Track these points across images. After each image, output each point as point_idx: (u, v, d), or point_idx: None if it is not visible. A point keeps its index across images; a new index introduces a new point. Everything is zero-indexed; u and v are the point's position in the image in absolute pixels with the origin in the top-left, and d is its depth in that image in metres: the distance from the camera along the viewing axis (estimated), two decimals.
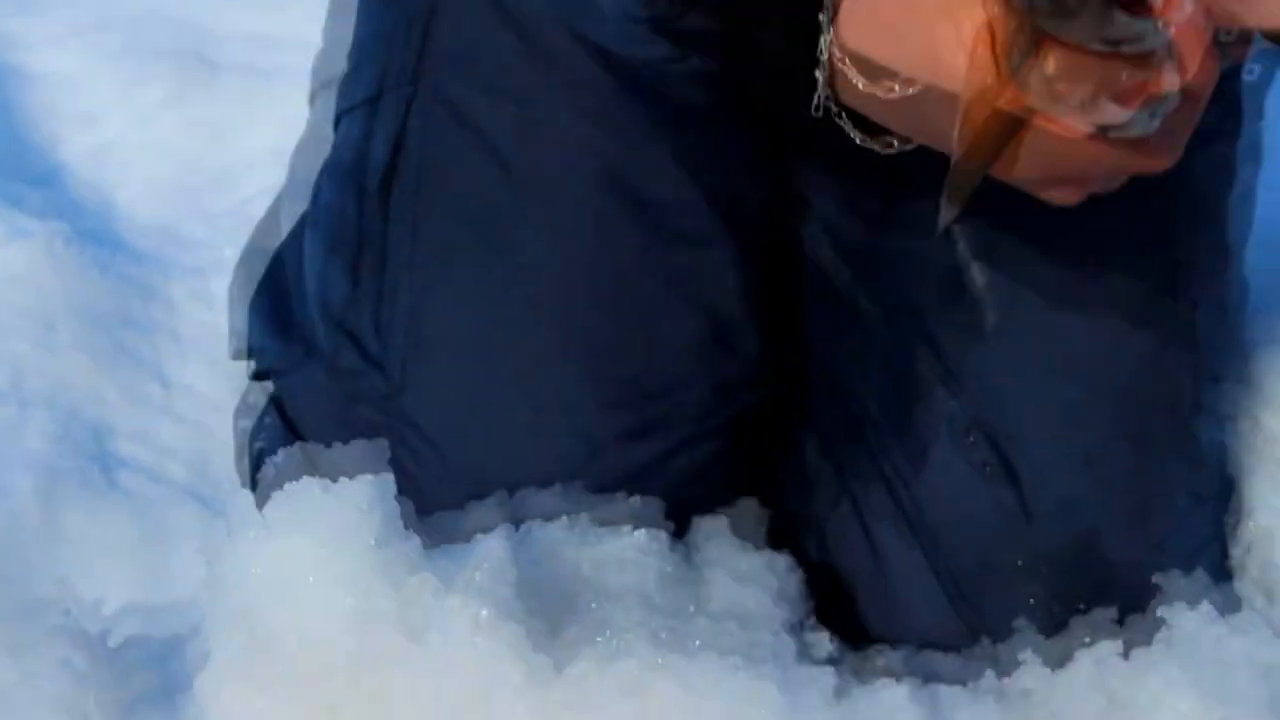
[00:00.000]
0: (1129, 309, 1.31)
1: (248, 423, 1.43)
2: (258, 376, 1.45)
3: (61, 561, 1.63)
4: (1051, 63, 1.00)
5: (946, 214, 1.06)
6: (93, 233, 1.86)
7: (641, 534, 1.23)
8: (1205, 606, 1.26)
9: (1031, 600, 1.28)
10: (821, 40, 1.10)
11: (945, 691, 1.21)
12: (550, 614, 1.15)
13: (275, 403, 1.42)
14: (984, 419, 1.30)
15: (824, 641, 1.26)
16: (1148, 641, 1.25)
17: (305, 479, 1.09)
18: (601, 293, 1.31)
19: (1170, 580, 1.28)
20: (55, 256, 1.80)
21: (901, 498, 1.31)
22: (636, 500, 1.27)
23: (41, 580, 1.57)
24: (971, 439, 1.30)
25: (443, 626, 1.09)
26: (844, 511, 1.33)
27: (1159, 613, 1.25)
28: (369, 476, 1.09)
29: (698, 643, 1.16)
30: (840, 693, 1.17)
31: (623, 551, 1.22)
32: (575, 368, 1.30)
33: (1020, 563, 1.28)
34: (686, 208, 1.33)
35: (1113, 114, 1.02)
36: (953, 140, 1.04)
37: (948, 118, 1.04)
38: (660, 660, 1.12)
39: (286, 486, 1.09)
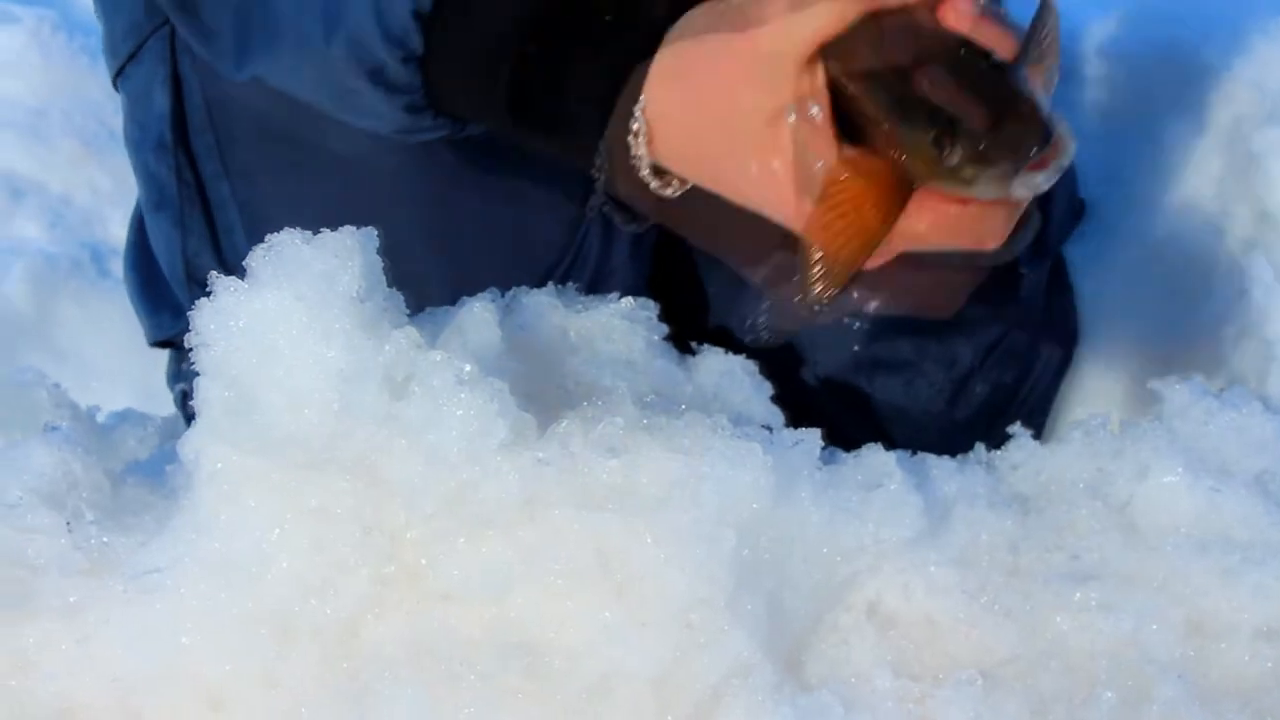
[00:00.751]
0: None
1: (184, 385, 1.43)
2: (158, 346, 1.44)
3: (53, 345, 1.63)
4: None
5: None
6: (81, 22, 1.84)
7: (629, 301, 1.22)
8: (1197, 380, 1.26)
9: None
10: (632, 144, 1.11)
11: (934, 460, 1.20)
12: (536, 376, 1.14)
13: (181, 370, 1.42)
14: None
15: (814, 433, 1.24)
16: (1139, 414, 1.25)
17: (286, 232, 1.07)
18: (424, 178, 1.29)
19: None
20: (43, 43, 1.78)
21: None
22: (629, 300, 1.26)
23: (32, 362, 1.57)
24: None
25: (426, 382, 1.07)
26: None
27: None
28: (350, 229, 1.06)
29: (683, 406, 1.15)
30: (828, 458, 1.16)
31: (610, 318, 1.20)
32: (420, 257, 1.29)
33: None
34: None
35: None
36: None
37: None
38: (646, 421, 1.10)
39: (268, 240, 1.07)
